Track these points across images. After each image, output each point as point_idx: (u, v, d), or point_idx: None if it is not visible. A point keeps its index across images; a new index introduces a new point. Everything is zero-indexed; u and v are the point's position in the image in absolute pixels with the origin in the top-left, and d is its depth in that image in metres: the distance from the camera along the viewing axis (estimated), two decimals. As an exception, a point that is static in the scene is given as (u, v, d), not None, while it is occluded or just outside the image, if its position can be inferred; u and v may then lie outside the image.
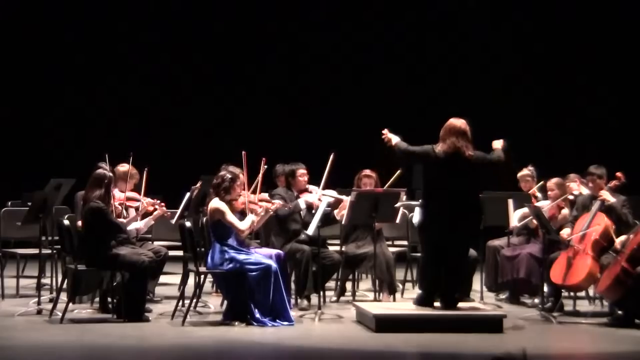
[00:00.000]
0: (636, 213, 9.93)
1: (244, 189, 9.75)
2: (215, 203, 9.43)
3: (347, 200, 10.18)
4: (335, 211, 10.33)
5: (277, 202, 10.13)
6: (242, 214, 9.74)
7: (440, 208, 9.14)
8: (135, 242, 10.05)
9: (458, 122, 9.26)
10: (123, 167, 10.20)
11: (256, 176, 9.92)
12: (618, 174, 10.06)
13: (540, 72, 15.79)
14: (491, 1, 15.85)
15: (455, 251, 9.27)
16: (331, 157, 10.26)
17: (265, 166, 9.97)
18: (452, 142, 9.17)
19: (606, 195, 9.92)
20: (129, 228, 9.83)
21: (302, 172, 10.59)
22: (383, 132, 9.43)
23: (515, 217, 10.70)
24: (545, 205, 10.57)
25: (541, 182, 11.01)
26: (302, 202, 10.47)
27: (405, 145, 9.33)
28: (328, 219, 10.17)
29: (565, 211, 10.55)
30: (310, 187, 10.60)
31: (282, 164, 11.10)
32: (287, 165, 10.80)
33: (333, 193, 10.44)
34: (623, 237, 9.65)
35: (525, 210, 10.56)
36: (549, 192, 10.77)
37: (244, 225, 9.55)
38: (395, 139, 9.35)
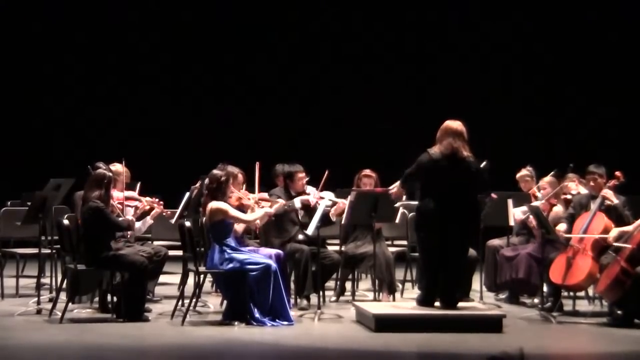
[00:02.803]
0: (636, 213, 9.92)
1: (242, 188, 9.77)
2: (215, 204, 9.41)
3: (342, 202, 10.17)
4: (332, 212, 10.31)
5: (280, 202, 10.15)
6: (239, 212, 9.73)
7: (437, 208, 9.13)
8: (133, 244, 10.06)
9: (454, 124, 9.27)
10: (114, 167, 10.18)
11: (254, 180, 9.98)
12: (617, 173, 10.02)
13: (539, 72, 15.79)
14: (490, 1, 15.85)
15: (454, 251, 9.26)
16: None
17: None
18: (448, 142, 9.17)
19: (610, 195, 9.89)
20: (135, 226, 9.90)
21: (301, 176, 10.58)
22: (390, 191, 9.66)
23: (517, 212, 10.68)
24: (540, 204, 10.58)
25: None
26: (297, 201, 10.46)
27: (404, 176, 9.36)
28: (324, 220, 10.15)
29: (557, 209, 10.52)
30: (308, 189, 10.59)
31: (282, 164, 11.07)
32: (287, 166, 10.78)
33: (331, 196, 10.42)
34: (615, 232, 9.63)
35: (526, 208, 10.57)
36: (542, 191, 10.77)
37: (252, 216, 9.58)
38: (397, 185, 9.52)
